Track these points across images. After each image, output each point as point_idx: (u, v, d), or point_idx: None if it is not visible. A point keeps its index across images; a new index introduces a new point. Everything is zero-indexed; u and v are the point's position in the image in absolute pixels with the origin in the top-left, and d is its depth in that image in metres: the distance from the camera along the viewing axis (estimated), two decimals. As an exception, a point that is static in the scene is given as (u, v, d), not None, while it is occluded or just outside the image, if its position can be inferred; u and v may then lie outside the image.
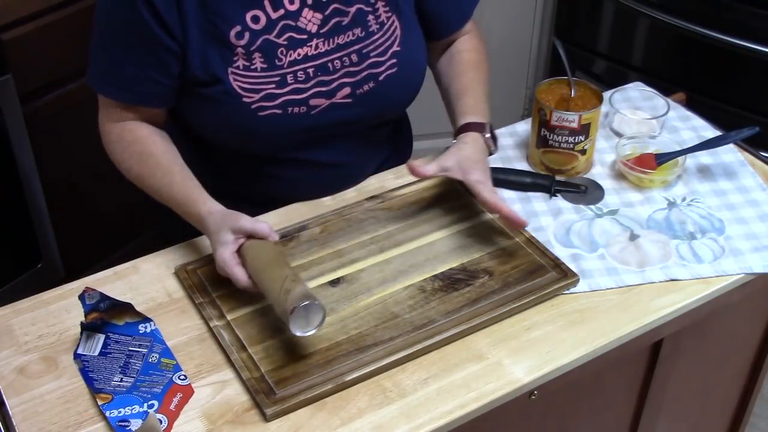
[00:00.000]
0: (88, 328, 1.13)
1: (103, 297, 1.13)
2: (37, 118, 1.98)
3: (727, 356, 1.50)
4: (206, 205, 1.21)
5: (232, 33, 1.23)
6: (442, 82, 1.46)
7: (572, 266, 1.24)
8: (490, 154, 1.36)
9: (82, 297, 1.12)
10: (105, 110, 1.31)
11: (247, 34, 1.24)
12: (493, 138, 1.36)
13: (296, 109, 1.28)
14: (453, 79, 1.43)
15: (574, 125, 1.36)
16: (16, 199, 2.00)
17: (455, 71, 1.43)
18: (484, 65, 1.45)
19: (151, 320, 1.17)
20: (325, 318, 1.09)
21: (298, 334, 1.07)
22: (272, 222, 1.34)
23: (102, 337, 1.14)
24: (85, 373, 1.10)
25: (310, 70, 1.28)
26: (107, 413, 1.04)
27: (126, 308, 1.16)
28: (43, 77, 1.97)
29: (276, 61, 1.26)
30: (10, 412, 1.06)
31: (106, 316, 1.15)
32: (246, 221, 1.15)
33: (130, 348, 1.13)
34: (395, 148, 1.51)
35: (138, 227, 2.25)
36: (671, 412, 1.47)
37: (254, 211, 1.35)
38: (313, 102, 1.29)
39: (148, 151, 1.28)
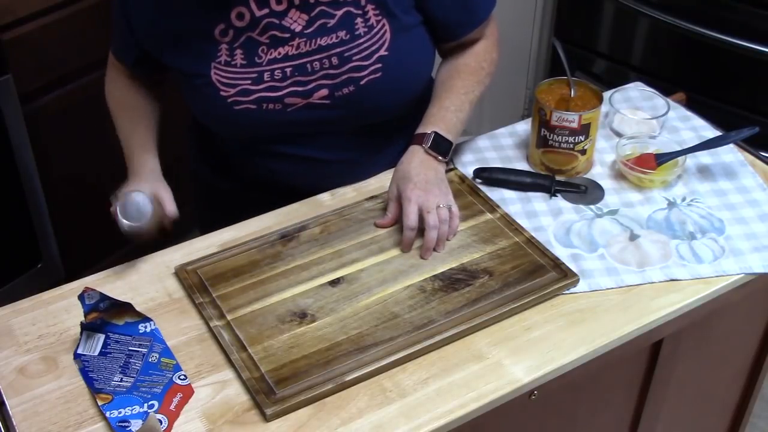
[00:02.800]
0: (88, 328, 1.13)
1: (103, 297, 1.13)
2: (37, 118, 1.98)
3: (727, 356, 1.50)
4: (143, 157, 1.37)
5: (217, 30, 1.27)
6: (435, 79, 1.44)
7: (572, 266, 1.24)
8: (447, 164, 1.35)
9: (81, 297, 1.12)
10: (110, 63, 1.47)
11: (231, 32, 1.27)
12: (439, 146, 1.32)
13: (271, 106, 1.30)
14: (440, 82, 1.42)
15: (574, 125, 1.36)
16: (16, 199, 2.00)
17: (447, 74, 1.42)
18: (478, 73, 1.41)
19: (151, 320, 1.17)
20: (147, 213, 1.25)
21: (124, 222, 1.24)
22: (272, 222, 1.34)
23: (102, 337, 1.14)
24: (85, 373, 1.10)
25: (288, 70, 1.29)
26: (107, 413, 1.04)
27: (126, 308, 1.16)
28: (43, 77, 1.97)
29: (255, 58, 1.28)
30: (10, 412, 1.06)
31: (106, 316, 1.15)
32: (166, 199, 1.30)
33: (130, 348, 1.13)
34: (409, 142, 1.49)
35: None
36: (671, 412, 1.47)
37: (257, 197, 1.41)
38: (288, 100, 1.30)
39: (123, 104, 1.44)
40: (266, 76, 1.29)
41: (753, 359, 1.54)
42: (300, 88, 1.30)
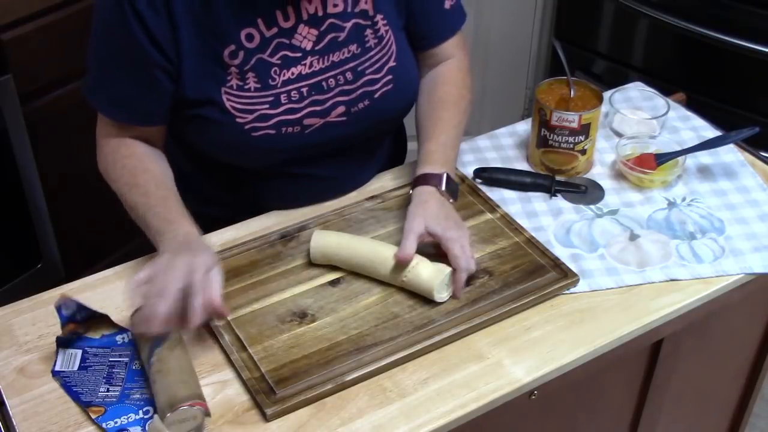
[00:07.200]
0: (63, 345, 1.12)
1: (80, 307, 1.11)
2: (37, 118, 1.98)
3: (727, 356, 1.50)
4: (194, 228, 1.16)
5: (226, 52, 1.21)
6: (418, 109, 1.39)
7: (572, 266, 1.24)
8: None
9: (58, 308, 1.10)
10: (102, 125, 1.28)
11: (241, 53, 1.21)
12: (452, 189, 1.28)
13: (290, 129, 1.26)
14: (426, 114, 1.36)
15: (574, 125, 1.36)
16: (16, 199, 2.00)
17: (431, 106, 1.37)
18: (461, 102, 1.38)
19: (128, 331, 1.15)
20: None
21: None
22: (272, 222, 1.34)
23: (79, 352, 1.12)
24: (68, 388, 1.08)
25: (304, 90, 1.25)
26: (104, 425, 1.03)
27: (102, 320, 1.14)
28: (43, 77, 1.97)
29: (269, 80, 1.23)
30: (10, 412, 1.06)
31: (82, 329, 1.13)
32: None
33: (111, 359, 1.12)
34: (391, 154, 1.50)
35: (138, 227, 2.26)
36: (671, 412, 1.47)
37: (246, 219, 1.35)
38: (307, 121, 1.27)
39: (143, 167, 1.24)
40: (283, 98, 1.24)
41: (753, 359, 1.54)
42: (318, 108, 1.27)
